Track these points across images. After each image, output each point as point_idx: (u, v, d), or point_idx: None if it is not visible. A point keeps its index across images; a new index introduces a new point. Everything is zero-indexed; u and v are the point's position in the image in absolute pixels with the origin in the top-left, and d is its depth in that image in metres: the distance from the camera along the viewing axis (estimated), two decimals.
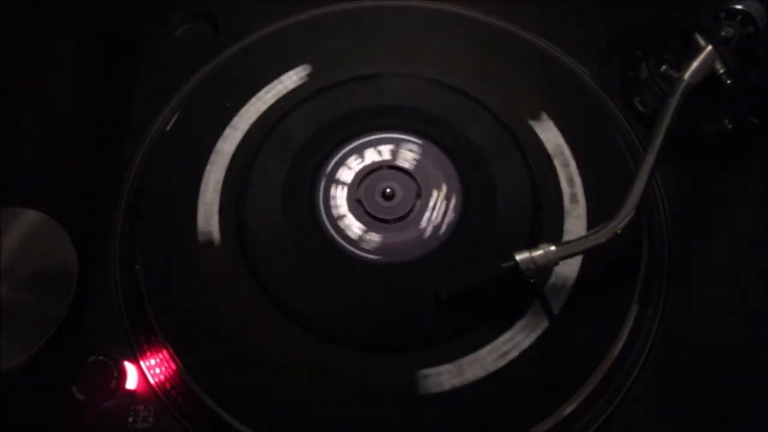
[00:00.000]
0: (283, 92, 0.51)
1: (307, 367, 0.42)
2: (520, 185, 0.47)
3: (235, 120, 0.50)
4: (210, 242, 0.46)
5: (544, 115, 0.50)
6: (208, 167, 0.48)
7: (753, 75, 0.46)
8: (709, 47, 0.45)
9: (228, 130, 0.50)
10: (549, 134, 0.49)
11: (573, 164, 0.48)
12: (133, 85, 0.53)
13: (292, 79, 0.52)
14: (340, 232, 0.46)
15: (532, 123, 0.49)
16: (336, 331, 0.43)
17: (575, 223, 0.46)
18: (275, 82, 0.52)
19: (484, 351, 0.42)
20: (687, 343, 0.44)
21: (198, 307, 0.44)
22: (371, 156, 0.49)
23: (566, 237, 0.45)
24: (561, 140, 0.49)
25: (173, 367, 0.43)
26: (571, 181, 0.47)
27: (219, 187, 0.48)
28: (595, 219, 0.43)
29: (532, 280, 0.41)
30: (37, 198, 0.46)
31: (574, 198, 0.47)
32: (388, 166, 0.48)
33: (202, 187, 0.48)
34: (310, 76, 0.52)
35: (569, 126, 0.49)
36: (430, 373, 0.42)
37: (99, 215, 0.48)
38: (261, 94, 0.51)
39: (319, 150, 0.49)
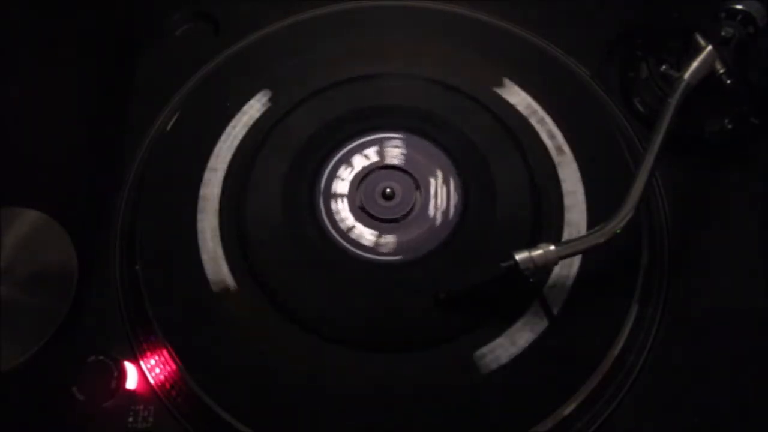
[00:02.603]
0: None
1: (306, 367, 0.42)
2: (520, 184, 0.47)
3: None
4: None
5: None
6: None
7: (753, 75, 0.46)
8: (709, 47, 0.45)
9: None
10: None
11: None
12: (133, 85, 0.53)
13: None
14: (341, 231, 0.46)
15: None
16: (335, 330, 0.43)
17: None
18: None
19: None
20: (687, 343, 0.44)
21: (198, 307, 0.44)
22: (370, 156, 0.49)
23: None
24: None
25: (173, 367, 0.43)
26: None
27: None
28: (595, 219, 0.43)
29: (531, 280, 0.41)
30: (37, 198, 0.46)
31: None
32: (388, 166, 0.48)
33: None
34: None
35: (569, 126, 0.49)
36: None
37: (99, 215, 0.48)
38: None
39: (320, 149, 0.49)
